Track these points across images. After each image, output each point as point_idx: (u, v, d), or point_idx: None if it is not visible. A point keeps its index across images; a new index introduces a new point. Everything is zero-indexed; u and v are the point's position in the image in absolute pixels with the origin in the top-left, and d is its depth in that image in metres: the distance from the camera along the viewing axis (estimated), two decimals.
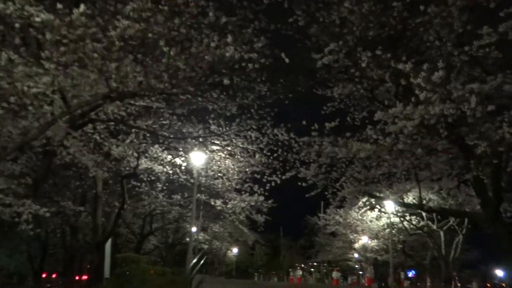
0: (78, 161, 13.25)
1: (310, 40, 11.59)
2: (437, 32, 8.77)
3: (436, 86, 7.16)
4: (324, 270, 24.71)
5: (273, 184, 14.42)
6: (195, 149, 15.53)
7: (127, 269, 14.37)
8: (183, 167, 18.04)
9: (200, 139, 14.09)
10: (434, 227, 25.91)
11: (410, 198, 25.26)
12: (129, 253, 16.08)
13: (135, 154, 15.44)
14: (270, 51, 9.04)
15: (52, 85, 8.25)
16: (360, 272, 23.37)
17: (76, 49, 7.91)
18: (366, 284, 13.40)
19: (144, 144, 14.73)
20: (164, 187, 20.24)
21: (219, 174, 19.20)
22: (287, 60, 8.82)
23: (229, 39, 8.40)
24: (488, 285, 33.29)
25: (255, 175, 15.18)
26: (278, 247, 53.90)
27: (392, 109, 7.83)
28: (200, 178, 20.27)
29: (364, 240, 35.28)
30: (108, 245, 16.95)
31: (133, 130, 14.15)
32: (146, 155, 16.67)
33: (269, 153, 14.61)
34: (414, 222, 27.94)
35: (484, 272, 45.75)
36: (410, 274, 34.36)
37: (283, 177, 14.38)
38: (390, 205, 24.55)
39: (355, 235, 34.01)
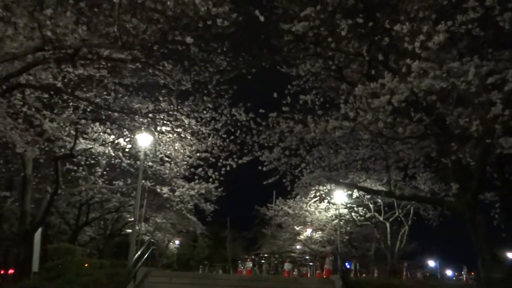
0: (2, 136, 11.28)
1: (277, 10, 10.60)
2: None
3: (432, 54, 6.42)
4: (275, 262, 24.03)
5: (228, 168, 13.26)
6: (142, 129, 13.97)
7: (60, 261, 12.61)
8: (127, 150, 16.36)
9: (150, 116, 12.57)
10: (381, 218, 26.15)
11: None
12: (63, 243, 14.27)
13: (72, 132, 13.61)
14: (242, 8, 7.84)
15: None
16: (311, 264, 23.03)
17: None
18: (324, 276, 12.76)
19: (83, 121, 12.98)
20: (104, 172, 18.38)
21: (166, 159, 17.70)
22: (262, 18, 7.68)
23: None
24: (427, 274, 34.41)
25: (210, 158, 13.91)
26: (222, 239, 52.75)
27: (379, 80, 7.00)
28: (146, 162, 18.68)
29: (308, 232, 35.20)
30: (37, 236, 14.93)
31: (71, 103, 12.37)
32: (85, 135, 14.86)
33: (225, 135, 13.43)
34: (359, 214, 28.08)
35: (421, 262, 47.88)
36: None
37: (240, 162, 13.27)
38: (339, 196, 24.34)
39: (300, 227, 33.79)
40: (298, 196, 27.60)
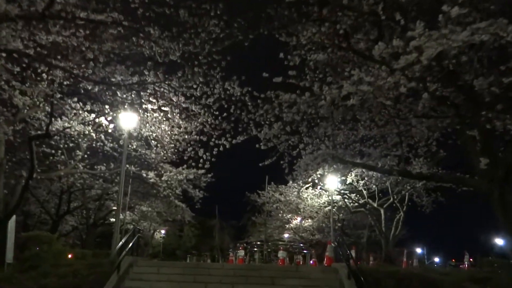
0: None
1: None
2: None
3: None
4: (268, 250, 23.15)
5: (221, 148, 12.13)
6: (126, 106, 12.72)
7: (37, 251, 11.41)
8: (109, 130, 15.08)
9: (134, 89, 11.29)
10: (375, 204, 25.44)
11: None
12: (39, 232, 13.03)
13: (48, 109, 12.29)
14: None
15: None
16: (305, 251, 22.19)
17: None
18: (326, 265, 11.85)
19: (59, 95, 11.65)
20: (85, 156, 17.06)
21: (153, 142, 16.48)
22: None
23: None
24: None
25: (201, 137, 12.73)
26: (209, 228, 51.77)
27: (409, 33, 5.94)
28: (130, 146, 17.45)
29: (298, 220, 34.43)
30: (11, 224, 13.63)
31: (45, 76, 11.04)
32: (62, 114, 13.53)
33: (217, 112, 12.27)
34: (352, 201, 27.32)
35: (410, 250, 47.75)
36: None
37: (234, 141, 12.16)
38: (332, 183, 23.49)
39: (290, 214, 32.98)
40: (291, 182, 26.86)
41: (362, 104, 9.25)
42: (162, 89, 12.43)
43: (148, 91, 12.58)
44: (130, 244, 10.85)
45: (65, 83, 11.15)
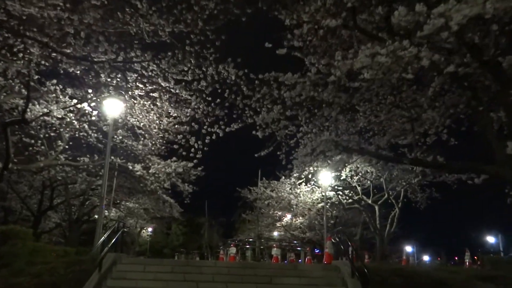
0: None
1: None
2: None
3: None
4: (261, 247, 22.23)
5: (214, 137, 11.21)
6: (110, 90, 11.71)
7: (8, 248, 10.35)
8: (93, 118, 14.05)
9: (121, 66, 10.28)
10: (369, 201, 24.75)
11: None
12: (13, 226, 11.97)
13: (24, 92, 11.23)
14: None
15: None
16: (298, 249, 21.36)
17: None
18: (325, 262, 11.06)
19: (37, 77, 10.62)
20: (67, 147, 15.98)
21: (140, 132, 15.48)
22: None
23: None
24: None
25: (192, 124, 11.78)
26: (197, 226, 50.79)
27: None
28: (116, 137, 16.42)
29: (288, 217, 33.64)
30: None
31: (21, 55, 10.00)
32: (42, 96, 12.46)
33: (210, 98, 11.35)
34: (346, 197, 26.58)
35: (401, 248, 47.38)
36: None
37: (227, 129, 11.26)
38: (326, 178, 22.74)
39: (281, 212, 32.17)
40: (283, 178, 26.03)
41: (369, 87, 8.46)
42: (150, 73, 11.47)
43: (135, 74, 11.62)
44: (114, 240, 9.87)
45: (43, 62, 10.11)
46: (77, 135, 16.06)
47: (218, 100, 11.17)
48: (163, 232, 52.36)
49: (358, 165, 23.20)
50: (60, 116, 12.60)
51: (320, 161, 15.87)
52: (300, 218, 32.60)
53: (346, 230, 32.21)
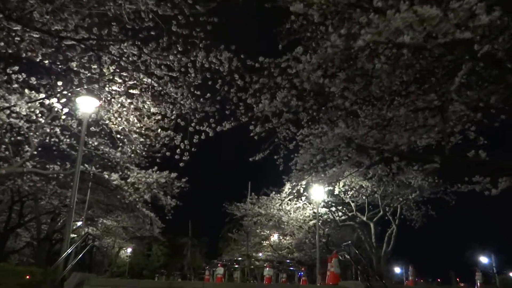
0: None
1: None
2: None
3: None
4: (251, 267, 20.43)
5: (203, 136, 9.67)
6: (83, 81, 10.10)
7: None
8: (63, 117, 12.39)
9: (94, 46, 8.68)
10: (364, 218, 23.35)
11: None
12: None
13: None
14: None
15: None
16: (291, 268, 19.69)
17: None
18: (330, 283, 9.51)
19: None
20: (35, 152, 14.18)
21: (118, 136, 13.83)
22: None
23: None
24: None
25: (178, 121, 10.20)
26: (179, 246, 48.50)
27: None
28: (91, 142, 14.75)
29: (275, 237, 31.97)
30: None
31: None
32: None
33: (198, 92, 9.84)
34: (340, 214, 25.13)
35: (391, 268, 45.86)
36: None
37: (218, 128, 9.76)
38: (318, 193, 21.30)
39: (268, 231, 30.49)
40: (273, 193, 24.44)
41: (392, 71, 7.13)
42: (129, 65, 9.94)
43: (112, 66, 10.06)
44: (79, 256, 8.14)
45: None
46: (47, 140, 14.40)
47: (209, 94, 9.69)
48: (143, 253, 49.86)
49: (353, 179, 21.93)
50: (25, 113, 10.89)
51: (317, 171, 14.50)
52: (288, 237, 30.95)
53: (337, 250, 30.63)
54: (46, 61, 9.06)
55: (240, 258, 23.40)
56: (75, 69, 9.03)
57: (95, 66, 9.84)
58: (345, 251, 11.76)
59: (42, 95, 10.66)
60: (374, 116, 7.59)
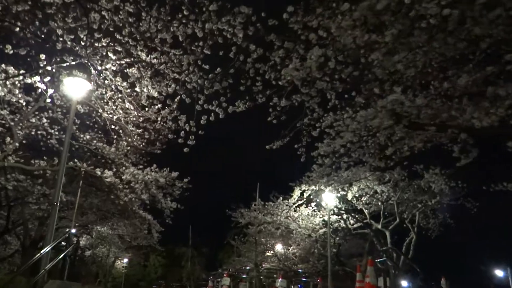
0: None
1: None
2: None
3: None
4: (261, 277, 18.61)
5: (212, 117, 8.04)
6: (70, 56, 8.50)
7: None
8: (48, 100, 10.78)
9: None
10: (379, 226, 21.61)
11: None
12: None
13: None
14: None
15: None
16: (303, 279, 17.87)
17: None
18: None
19: None
20: (17, 145, 12.52)
21: (112, 127, 12.22)
22: None
23: None
24: None
25: (183, 97, 8.54)
26: (177, 257, 46.52)
27: None
28: (82, 136, 13.19)
29: (279, 247, 30.18)
30: None
31: None
32: None
33: (207, 66, 8.22)
34: (352, 221, 23.36)
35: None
36: None
37: (230, 109, 8.15)
38: (329, 199, 19.64)
39: (274, 240, 28.69)
40: (281, 199, 22.74)
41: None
42: (125, 38, 8.35)
43: (105, 40, 8.47)
44: (55, 260, 6.44)
45: None
46: (33, 133, 12.86)
47: (219, 69, 8.06)
48: (140, 263, 47.86)
49: (368, 183, 20.28)
50: (2, 93, 9.25)
51: (335, 169, 13.12)
52: (292, 247, 29.14)
53: (348, 262, 28.75)
54: (21, 23, 7.43)
55: (248, 267, 21.52)
56: (57, 31, 7.39)
57: (82, 29, 8.09)
58: (386, 256, 10.01)
59: (22, 71, 9.03)
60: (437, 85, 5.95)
